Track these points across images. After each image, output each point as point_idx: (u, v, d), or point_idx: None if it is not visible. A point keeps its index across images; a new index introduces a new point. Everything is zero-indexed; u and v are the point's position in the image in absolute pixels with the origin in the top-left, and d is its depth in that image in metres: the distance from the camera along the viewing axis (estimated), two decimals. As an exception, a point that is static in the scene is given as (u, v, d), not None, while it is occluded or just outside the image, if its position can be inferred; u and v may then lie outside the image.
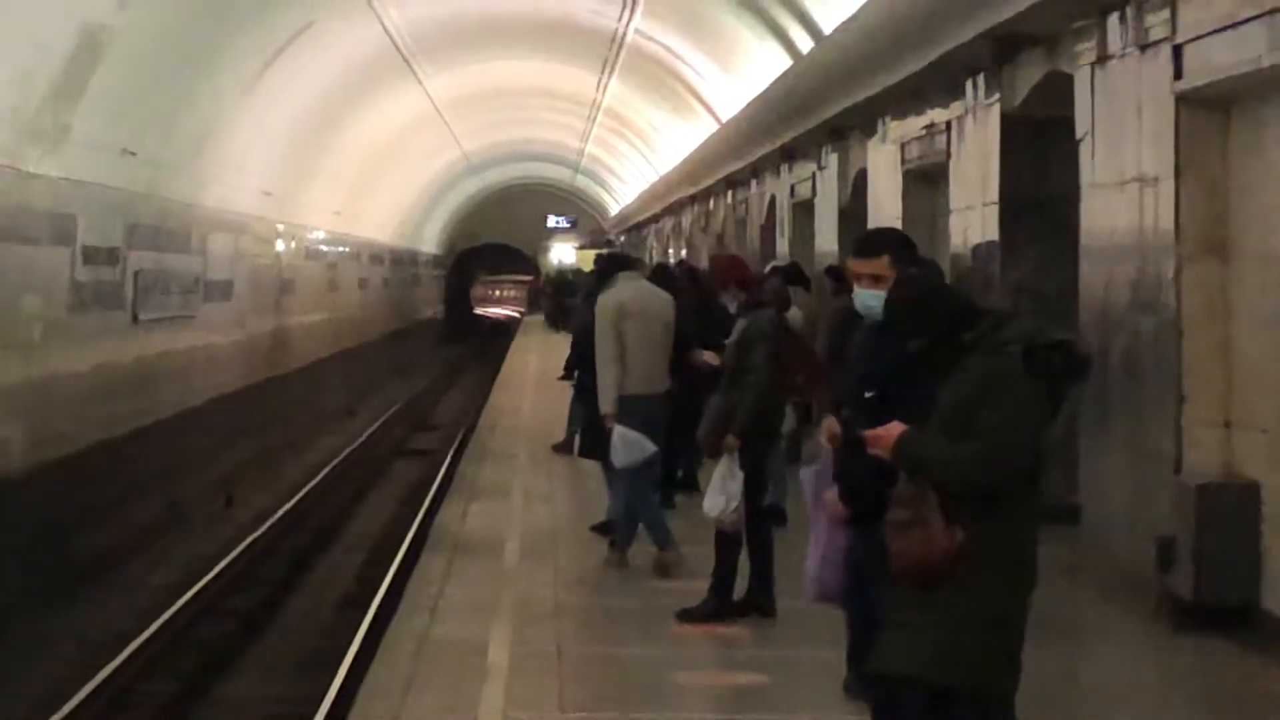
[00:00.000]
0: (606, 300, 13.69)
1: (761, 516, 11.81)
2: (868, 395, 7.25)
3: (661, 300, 13.96)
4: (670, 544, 13.58)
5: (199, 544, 22.28)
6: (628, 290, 13.73)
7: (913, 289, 7.06)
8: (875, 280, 8.05)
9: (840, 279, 15.40)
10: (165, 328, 23.62)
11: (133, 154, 21.40)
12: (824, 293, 17.92)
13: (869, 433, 6.71)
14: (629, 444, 13.42)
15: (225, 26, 23.11)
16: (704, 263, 29.13)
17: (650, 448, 13.42)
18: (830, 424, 8.11)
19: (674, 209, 46.10)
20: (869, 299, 8.04)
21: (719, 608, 11.74)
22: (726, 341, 12.07)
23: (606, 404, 13.45)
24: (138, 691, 15.01)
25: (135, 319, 22.10)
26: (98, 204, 20.33)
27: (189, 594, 18.18)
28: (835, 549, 7.99)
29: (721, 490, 11.40)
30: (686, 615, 11.76)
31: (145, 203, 22.53)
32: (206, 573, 19.45)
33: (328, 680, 14.19)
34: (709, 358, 14.35)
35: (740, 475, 11.30)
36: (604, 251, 45.06)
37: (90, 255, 20.06)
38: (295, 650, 16.87)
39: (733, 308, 12.81)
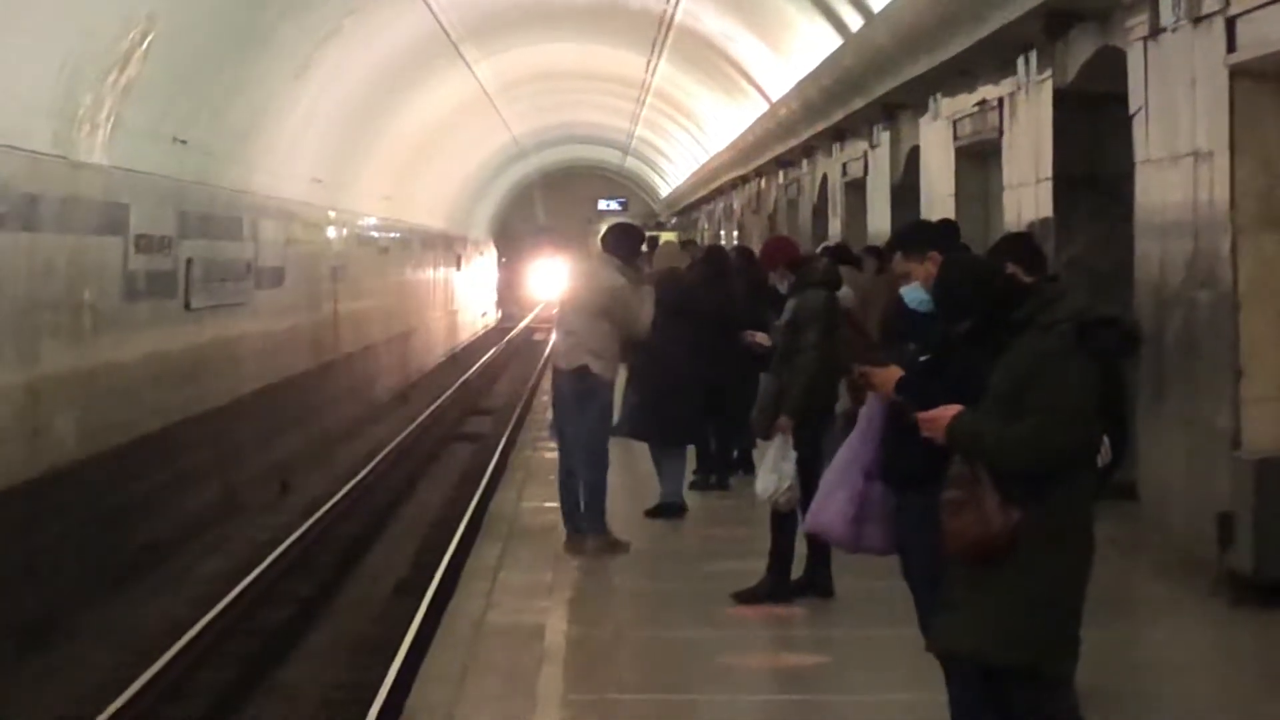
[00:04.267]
0: None
1: (817, 497, 11.77)
2: (922, 359, 7.21)
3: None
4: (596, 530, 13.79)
5: (254, 530, 22.33)
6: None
7: (955, 272, 7.06)
8: (905, 277, 8.43)
9: (881, 257, 15.37)
10: (217, 315, 23.66)
11: (183, 142, 21.44)
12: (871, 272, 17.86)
13: (922, 415, 6.69)
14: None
15: (273, 13, 23.13)
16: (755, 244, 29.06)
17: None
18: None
19: (725, 190, 45.99)
20: (908, 295, 8.23)
21: (775, 588, 11.71)
22: (777, 323, 12.03)
23: None
24: (195, 679, 15.03)
25: (187, 306, 22.14)
26: (150, 193, 20.37)
27: (245, 581, 18.20)
28: (874, 502, 8.02)
29: (774, 470, 11.35)
30: (743, 597, 11.74)
31: (197, 190, 22.57)
32: (262, 559, 19.47)
33: (385, 666, 14.20)
34: (760, 339, 14.32)
35: (793, 455, 11.26)
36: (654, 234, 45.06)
37: (143, 244, 20.09)
38: (352, 636, 16.89)
39: (783, 288, 12.76)
